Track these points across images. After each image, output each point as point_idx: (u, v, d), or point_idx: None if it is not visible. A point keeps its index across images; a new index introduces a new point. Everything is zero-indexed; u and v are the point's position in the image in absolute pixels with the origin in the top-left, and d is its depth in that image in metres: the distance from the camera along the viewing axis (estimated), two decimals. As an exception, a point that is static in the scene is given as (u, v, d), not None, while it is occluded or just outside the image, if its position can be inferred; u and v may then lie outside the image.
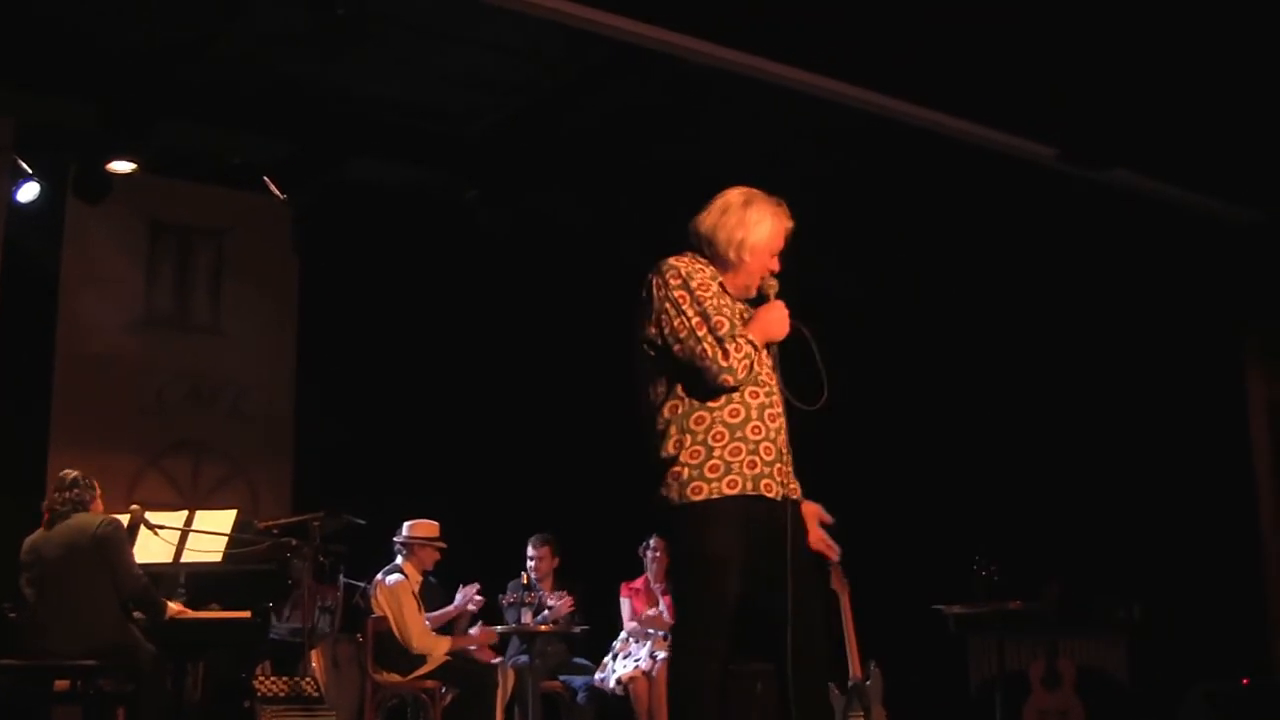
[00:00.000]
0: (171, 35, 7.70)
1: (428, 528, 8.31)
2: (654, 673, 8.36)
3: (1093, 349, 8.94)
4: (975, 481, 9.04)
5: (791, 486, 4.29)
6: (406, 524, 8.29)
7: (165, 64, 7.94)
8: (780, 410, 4.27)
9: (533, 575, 8.62)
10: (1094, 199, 8.46)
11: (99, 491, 6.60)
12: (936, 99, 7.56)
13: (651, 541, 8.78)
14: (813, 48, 7.15)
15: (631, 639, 8.75)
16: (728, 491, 4.12)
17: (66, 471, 6.56)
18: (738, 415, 4.19)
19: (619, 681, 8.49)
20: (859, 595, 8.26)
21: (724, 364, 4.14)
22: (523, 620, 8.30)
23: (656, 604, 8.71)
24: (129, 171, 8.37)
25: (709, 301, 4.23)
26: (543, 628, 8.32)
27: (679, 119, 8.75)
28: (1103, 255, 8.81)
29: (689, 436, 4.18)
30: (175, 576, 6.79)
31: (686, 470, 4.15)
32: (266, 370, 9.69)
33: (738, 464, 4.15)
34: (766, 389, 4.24)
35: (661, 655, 8.44)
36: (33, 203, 8.51)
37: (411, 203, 9.47)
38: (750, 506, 4.15)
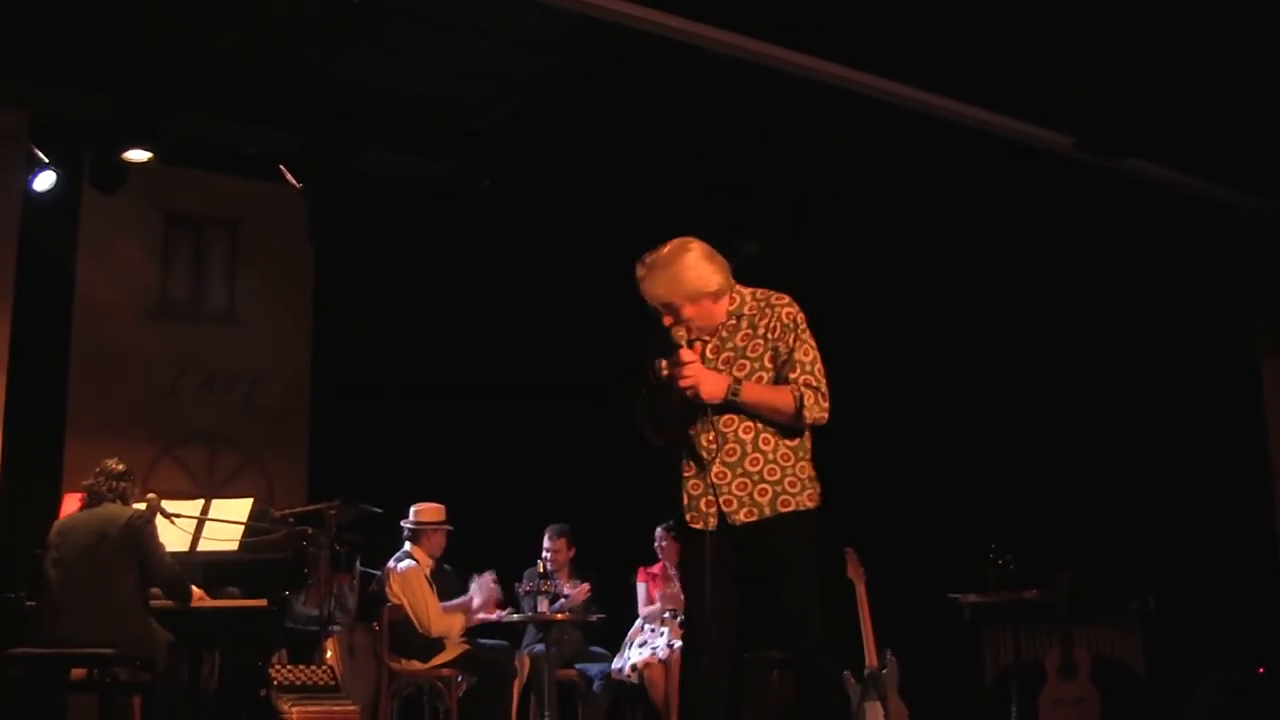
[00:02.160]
0: (183, 26, 7.70)
1: (434, 511, 8.32)
2: (671, 661, 8.37)
3: (1107, 338, 8.90)
4: (990, 471, 9.02)
5: (744, 513, 4.58)
6: (413, 509, 8.31)
7: (176, 55, 7.94)
8: (721, 446, 4.58)
9: (549, 565, 8.63)
10: (1107, 188, 8.43)
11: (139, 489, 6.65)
12: (953, 87, 7.53)
13: (658, 531, 8.80)
14: (828, 36, 7.12)
15: (647, 624, 8.76)
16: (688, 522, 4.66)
17: (115, 462, 6.57)
18: (677, 456, 4.67)
19: (634, 668, 8.50)
20: (875, 584, 8.26)
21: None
22: (539, 609, 8.31)
23: (673, 586, 8.72)
24: (144, 161, 8.36)
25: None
26: (559, 616, 8.32)
27: (691, 110, 8.75)
28: (1116, 244, 8.79)
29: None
30: (192, 565, 6.82)
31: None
32: (281, 359, 9.70)
33: (682, 498, 4.64)
34: (705, 432, 4.58)
35: (679, 644, 8.45)
36: (48, 192, 8.53)
37: (425, 193, 9.47)
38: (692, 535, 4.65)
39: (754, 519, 4.56)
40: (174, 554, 6.63)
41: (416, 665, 8.00)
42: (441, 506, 8.34)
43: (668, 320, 4.59)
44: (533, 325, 9.85)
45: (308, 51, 8.02)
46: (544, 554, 8.75)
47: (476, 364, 9.75)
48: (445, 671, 8.02)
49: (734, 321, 4.67)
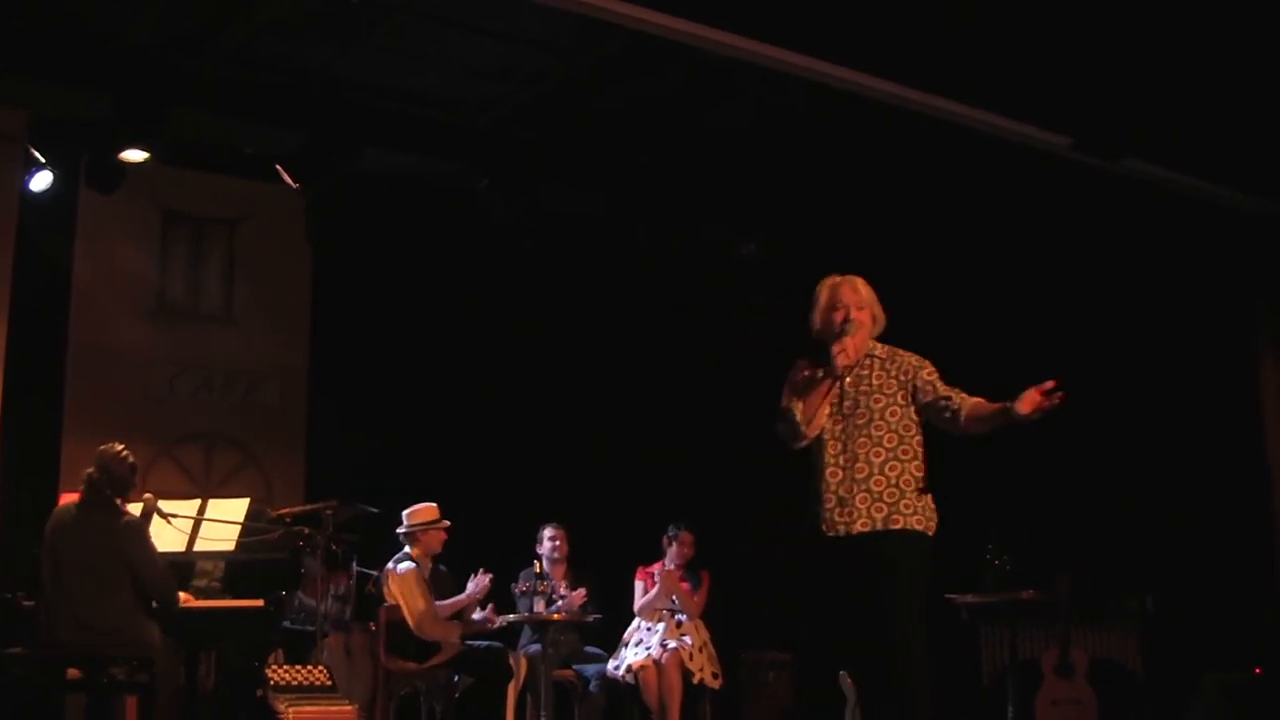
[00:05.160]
0: (184, 25, 7.70)
1: (427, 512, 8.28)
2: (664, 661, 8.36)
3: (1106, 339, 8.90)
4: (988, 471, 9.01)
5: (860, 524, 5.13)
6: (405, 512, 8.27)
7: (177, 54, 7.94)
8: (850, 459, 5.19)
9: (545, 563, 8.62)
10: (1106, 187, 8.43)
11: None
12: (952, 88, 7.53)
13: (671, 529, 8.79)
14: (828, 37, 7.13)
15: (643, 622, 8.75)
16: (823, 530, 5.17)
17: (118, 451, 6.46)
18: (818, 470, 5.22)
19: (629, 669, 8.49)
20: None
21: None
22: (535, 609, 8.30)
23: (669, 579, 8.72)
24: (141, 161, 8.35)
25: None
26: (555, 617, 8.30)
27: (691, 110, 8.74)
28: (1116, 244, 8.79)
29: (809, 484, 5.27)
30: (189, 566, 6.82)
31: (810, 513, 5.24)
32: (279, 359, 9.69)
33: (818, 508, 5.18)
34: (840, 441, 5.21)
35: (673, 644, 8.44)
36: (46, 192, 8.49)
37: (424, 193, 9.46)
38: (829, 543, 5.16)
39: (867, 529, 5.11)
40: (171, 554, 6.63)
41: (413, 666, 7.99)
42: (434, 506, 8.31)
43: (840, 315, 5.35)
44: (532, 325, 9.84)
45: (307, 51, 8.01)
46: (547, 543, 8.75)
47: (474, 364, 9.74)
48: (442, 672, 8.01)
49: (869, 360, 5.36)
